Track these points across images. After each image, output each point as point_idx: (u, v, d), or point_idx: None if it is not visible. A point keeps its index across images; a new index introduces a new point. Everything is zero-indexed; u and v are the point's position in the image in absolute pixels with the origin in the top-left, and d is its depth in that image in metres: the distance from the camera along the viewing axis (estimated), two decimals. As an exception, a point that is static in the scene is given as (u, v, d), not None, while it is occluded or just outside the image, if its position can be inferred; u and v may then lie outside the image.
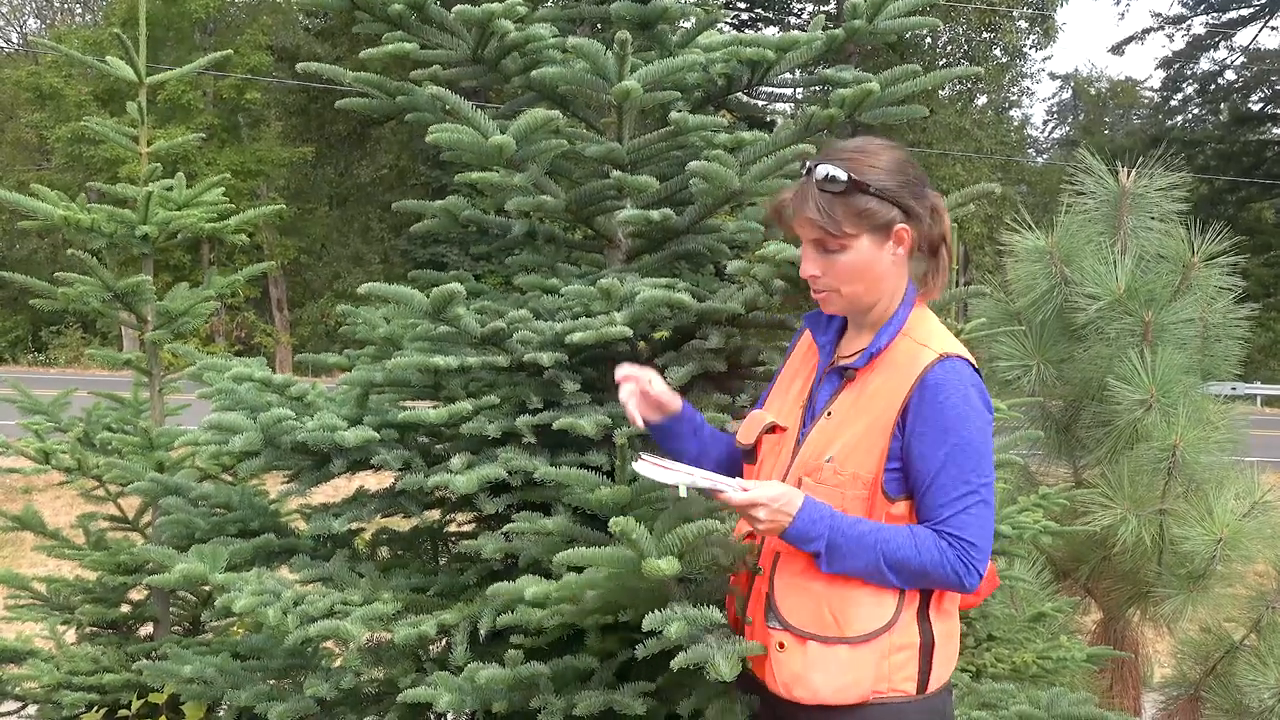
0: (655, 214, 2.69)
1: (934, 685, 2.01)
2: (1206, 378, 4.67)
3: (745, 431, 2.19)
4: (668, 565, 1.91)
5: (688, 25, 3.05)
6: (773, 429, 2.14)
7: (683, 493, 1.98)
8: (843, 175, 1.97)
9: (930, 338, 2.02)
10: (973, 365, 2.01)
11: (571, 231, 3.12)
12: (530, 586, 2.16)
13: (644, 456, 2.01)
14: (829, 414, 2.05)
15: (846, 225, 1.97)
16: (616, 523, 1.93)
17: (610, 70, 2.63)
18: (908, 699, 1.98)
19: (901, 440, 1.97)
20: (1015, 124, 35.46)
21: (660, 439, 2.32)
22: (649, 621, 1.97)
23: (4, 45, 32.88)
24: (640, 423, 2.23)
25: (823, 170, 1.98)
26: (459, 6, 2.71)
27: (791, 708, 2.01)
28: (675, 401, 2.28)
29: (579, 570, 2.08)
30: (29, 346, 26.54)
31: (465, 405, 2.49)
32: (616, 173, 2.75)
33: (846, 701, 1.95)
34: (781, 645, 2.00)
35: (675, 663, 1.95)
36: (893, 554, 1.93)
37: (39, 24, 32.58)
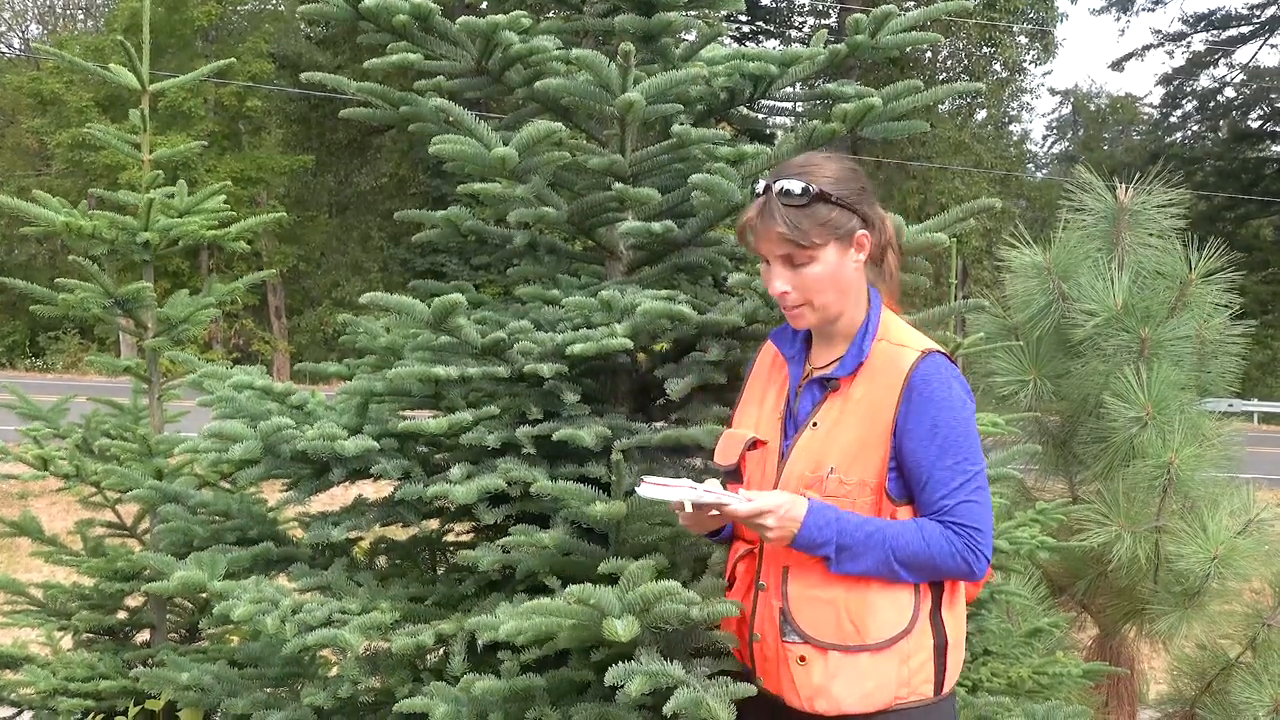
0: (657, 226, 2.70)
1: (948, 686, 2.02)
2: (1203, 394, 4.68)
3: (725, 452, 2.18)
4: (625, 630, 1.91)
5: (691, 39, 3.06)
6: (754, 445, 2.14)
7: (688, 508, 1.98)
8: (803, 188, 1.99)
9: (906, 337, 2.06)
10: (949, 358, 2.05)
11: (573, 243, 3.12)
12: (506, 622, 2.15)
13: (645, 479, 1.99)
14: (814, 424, 2.06)
15: (814, 236, 1.99)
16: (572, 592, 1.95)
17: (613, 83, 2.64)
18: (927, 702, 1.99)
19: (896, 441, 1.99)
20: (1015, 139, 35.53)
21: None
22: (611, 675, 1.97)
23: (6, 50, 32.91)
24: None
25: (782, 185, 2.00)
26: (463, 18, 2.72)
27: None
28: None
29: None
30: (26, 352, 26.51)
31: (465, 415, 2.50)
32: (618, 185, 2.76)
33: (870, 709, 1.96)
34: (802, 659, 1.99)
35: (667, 709, 1.93)
36: (902, 549, 1.95)
37: (41, 29, 32.63)
